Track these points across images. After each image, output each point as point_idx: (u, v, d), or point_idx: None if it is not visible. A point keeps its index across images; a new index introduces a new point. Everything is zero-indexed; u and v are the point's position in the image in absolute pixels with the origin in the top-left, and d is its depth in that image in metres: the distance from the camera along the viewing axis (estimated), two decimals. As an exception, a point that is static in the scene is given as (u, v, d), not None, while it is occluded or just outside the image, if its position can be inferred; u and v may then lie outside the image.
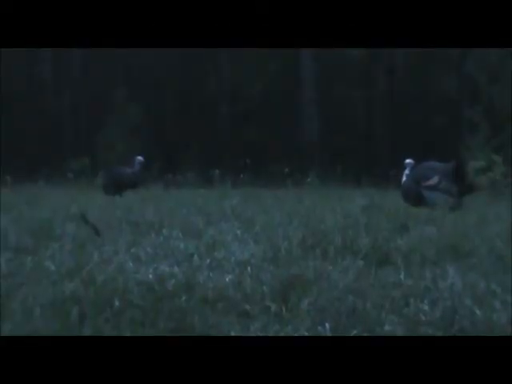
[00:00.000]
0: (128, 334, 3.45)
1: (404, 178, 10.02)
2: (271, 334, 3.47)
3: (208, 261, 5.09)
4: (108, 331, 3.48)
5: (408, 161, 10.13)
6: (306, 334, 3.44)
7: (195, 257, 5.27)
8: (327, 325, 3.53)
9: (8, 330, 3.39)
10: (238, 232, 6.53)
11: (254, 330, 3.54)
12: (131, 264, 4.87)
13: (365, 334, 3.44)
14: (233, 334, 3.45)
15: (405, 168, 10.08)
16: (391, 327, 3.54)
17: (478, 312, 3.72)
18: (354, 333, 3.46)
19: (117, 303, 3.83)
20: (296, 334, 3.41)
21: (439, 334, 3.51)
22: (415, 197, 9.64)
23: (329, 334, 3.46)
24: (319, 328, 3.51)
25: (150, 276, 4.43)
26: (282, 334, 3.44)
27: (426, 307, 3.83)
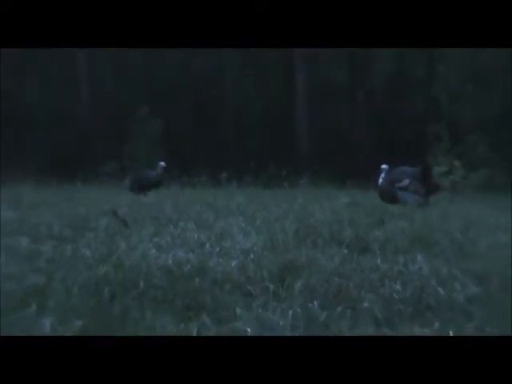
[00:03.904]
0: (150, 310, 3.44)
1: (381, 181, 10.00)
2: (270, 309, 3.47)
3: (217, 249, 5.09)
4: (134, 308, 3.48)
5: (384, 166, 10.11)
6: (299, 310, 3.43)
7: (207, 245, 5.28)
8: (316, 302, 3.54)
9: (51, 305, 3.39)
10: (243, 225, 6.53)
11: (256, 306, 3.54)
12: (154, 251, 4.88)
13: (349, 311, 3.43)
14: (238, 310, 3.44)
15: (381, 172, 10.06)
16: (370, 304, 3.55)
17: (441, 291, 3.74)
18: (339, 309, 3.45)
19: (141, 284, 3.83)
20: (290, 310, 3.40)
21: (410, 309, 3.52)
22: (390, 196, 9.62)
23: (318, 309, 3.45)
24: (309, 304, 3.51)
25: (170, 261, 4.44)
26: (279, 310, 3.44)
27: (398, 287, 3.84)
